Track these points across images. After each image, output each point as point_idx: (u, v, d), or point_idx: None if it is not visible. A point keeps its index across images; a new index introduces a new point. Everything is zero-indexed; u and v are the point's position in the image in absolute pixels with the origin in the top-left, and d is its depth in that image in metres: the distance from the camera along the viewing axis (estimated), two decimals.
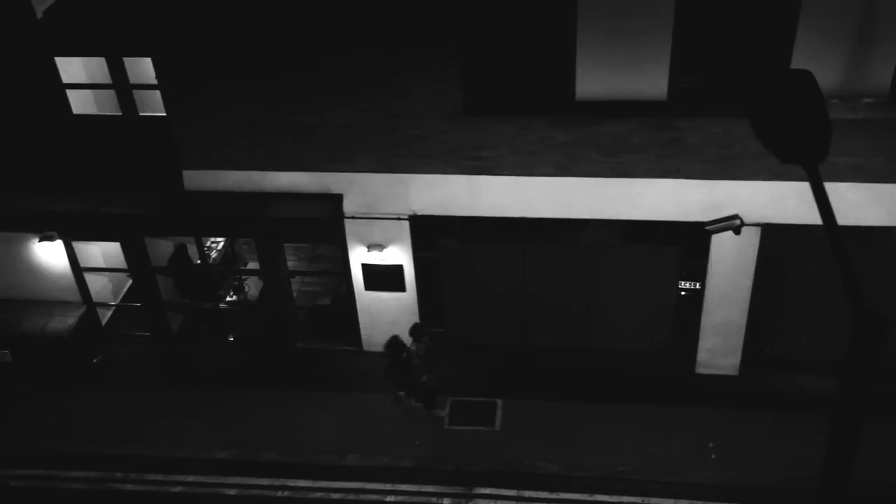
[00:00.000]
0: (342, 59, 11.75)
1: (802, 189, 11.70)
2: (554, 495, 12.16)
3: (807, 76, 5.34)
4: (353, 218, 13.22)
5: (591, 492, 12.16)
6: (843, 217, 11.88)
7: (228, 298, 15.51)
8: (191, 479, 12.73)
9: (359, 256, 13.58)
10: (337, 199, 12.98)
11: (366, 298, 14.06)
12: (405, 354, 13.03)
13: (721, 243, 12.66)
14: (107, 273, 15.47)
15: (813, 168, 4.95)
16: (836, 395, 4.40)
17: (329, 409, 13.66)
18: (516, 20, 11.53)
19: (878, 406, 12.79)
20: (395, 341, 13.14)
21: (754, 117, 5.28)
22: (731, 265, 12.83)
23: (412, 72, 11.74)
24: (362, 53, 11.66)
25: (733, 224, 12.02)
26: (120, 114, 13.01)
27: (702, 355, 13.75)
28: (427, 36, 11.45)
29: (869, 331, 4.01)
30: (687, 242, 12.91)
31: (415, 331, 12.96)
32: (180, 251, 14.89)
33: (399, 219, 13.14)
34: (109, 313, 15.63)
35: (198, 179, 13.07)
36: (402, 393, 13.43)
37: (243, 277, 15.74)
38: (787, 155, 5.02)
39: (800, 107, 5.15)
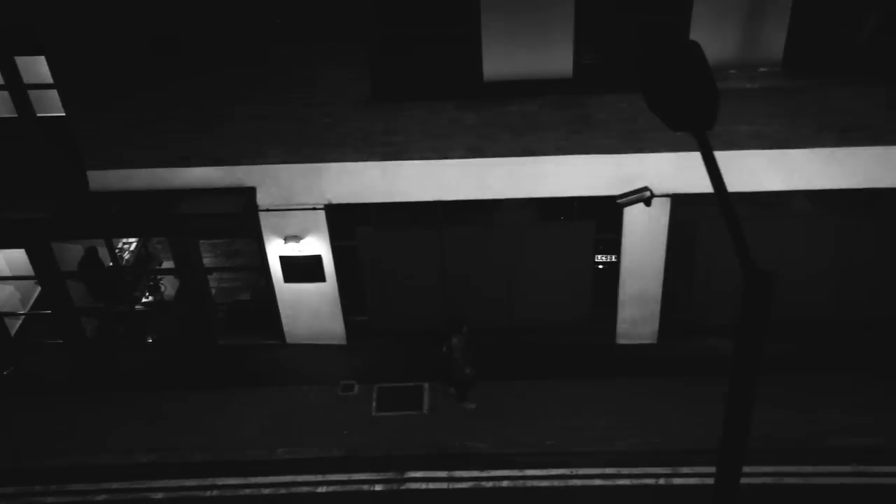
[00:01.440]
0: (247, 50, 11.56)
1: (699, 158, 12.04)
2: (485, 473, 12.29)
3: (694, 47, 5.48)
4: (267, 210, 13.07)
5: (522, 467, 12.33)
6: (746, 183, 12.48)
7: (144, 300, 15.16)
8: (115, 485, 12.44)
9: (276, 249, 13.43)
10: (250, 193, 12.80)
11: (286, 291, 13.93)
12: (445, 348, 12.97)
13: (633, 216, 12.95)
14: (13, 281, 14.94)
15: (702, 135, 5.09)
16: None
17: (255, 404, 13.51)
18: (421, 4, 11.52)
19: (778, 364, 13.51)
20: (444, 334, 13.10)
21: (646, 89, 5.41)
22: (643, 236, 13.14)
23: (320, 60, 11.64)
24: (267, 44, 11.50)
25: (644, 196, 12.29)
26: (15, 115, 12.54)
27: (621, 326, 14.07)
28: (332, 23, 11.35)
29: (758, 287, 4.15)
30: (601, 216, 13.16)
31: (452, 324, 12.99)
32: (90, 254, 14.48)
33: (314, 209, 13.04)
34: (19, 323, 15.10)
35: (103, 180, 12.71)
36: (452, 389, 13.41)
37: (159, 277, 15.40)
38: (677, 123, 5.16)
39: (688, 77, 5.28)
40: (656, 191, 12.45)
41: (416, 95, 12.02)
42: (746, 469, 11.80)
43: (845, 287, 13.64)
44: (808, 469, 12.01)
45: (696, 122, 5.14)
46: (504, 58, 11.69)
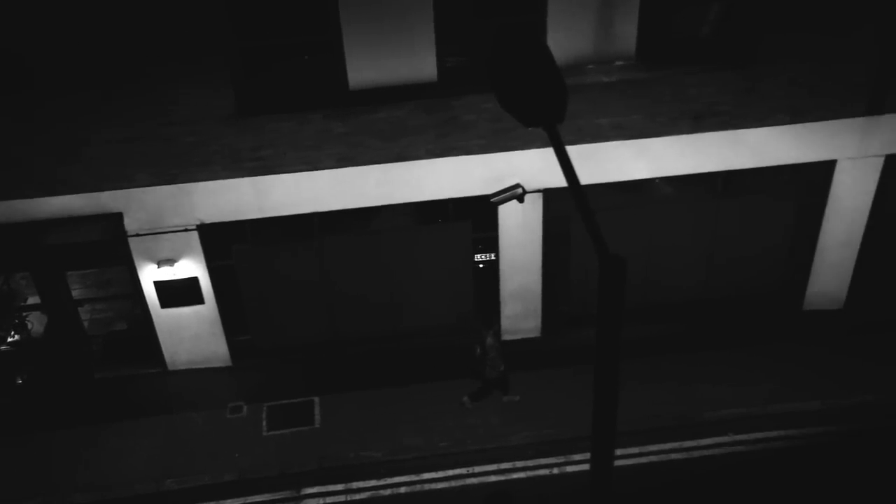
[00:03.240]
0: (103, 71, 11.15)
1: (572, 151, 12.39)
2: (382, 482, 12.24)
3: (540, 44, 5.64)
4: (137, 235, 12.63)
5: (418, 471, 12.35)
6: (613, 173, 12.91)
7: (10, 339, 14.37)
8: None
9: (150, 274, 13.00)
10: (116, 219, 12.34)
11: (164, 317, 13.49)
12: (479, 350, 12.81)
13: (508, 213, 13.19)
14: None
15: (553, 130, 5.23)
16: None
17: (140, 436, 13.03)
18: (279, 16, 11.40)
19: (657, 345, 14.05)
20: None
21: (497, 88, 5.52)
22: (520, 233, 13.40)
23: (181, 77, 11.35)
24: (124, 64, 11.12)
25: (516, 193, 12.53)
26: None
27: (505, 322, 14.29)
28: (190, 40, 11.09)
29: (613, 272, 4.30)
30: (476, 216, 13.34)
31: (485, 325, 12.93)
32: None
33: (186, 230, 12.69)
34: None
35: None
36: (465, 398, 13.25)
37: (24, 314, 14.63)
38: (528, 119, 5.28)
39: (535, 73, 5.43)
40: (528, 187, 12.72)
41: (282, 108, 11.89)
42: (633, 450, 12.35)
43: (713, 267, 14.29)
44: (690, 444, 12.52)
45: (546, 117, 5.29)
46: (368, 65, 11.70)
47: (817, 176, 13.38)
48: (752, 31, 11.97)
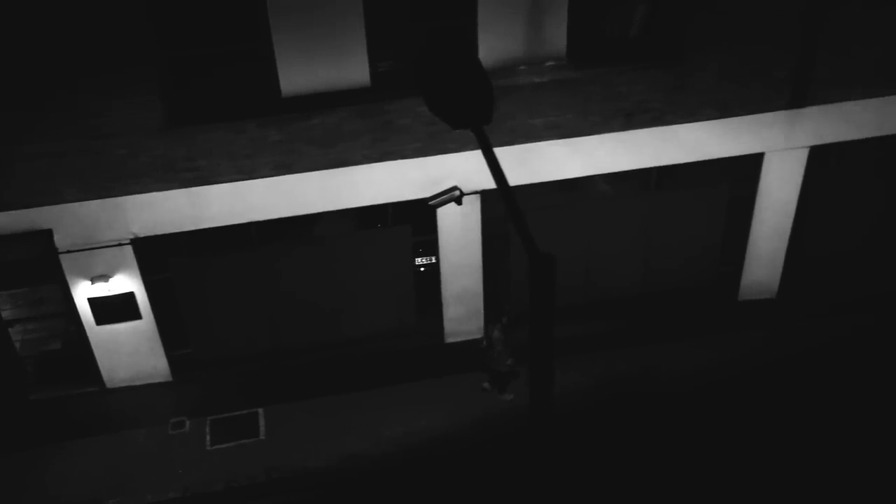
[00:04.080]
0: (26, 85, 10.87)
1: (507, 152, 12.51)
2: (329, 490, 12.16)
3: (467, 47, 5.68)
4: (68, 252, 12.34)
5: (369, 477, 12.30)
6: (549, 172, 13.04)
7: None
8: None
9: (83, 291, 12.71)
10: (45, 236, 12.03)
11: (99, 334, 13.20)
12: (485, 343, 12.87)
13: (447, 216, 13.22)
14: None
15: (479, 130, 5.28)
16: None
17: (79, 457, 12.71)
18: (207, 24, 11.26)
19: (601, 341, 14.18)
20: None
21: (425, 91, 5.55)
22: (459, 235, 13.44)
23: (108, 90, 11.12)
24: (51, 77, 10.86)
25: (454, 195, 12.58)
26: None
27: (448, 325, 14.32)
28: (116, 52, 10.87)
29: (543, 270, 4.34)
30: (415, 220, 13.35)
31: (489, 318, 12.90)
32: None
33: (120, 245, 12.45)
34: None
35: None
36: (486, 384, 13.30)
37: None
38: (456, 121, 5.33)
39: (461, 76, 5.47)
40: (465, 189, 12.78)
41: (214, 117, 11.74)
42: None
43: (651, 261, 14.53)
44: None
45: (473, 118, 5.33)
46: (300, 72, 11.63)
47: (747, 169, 13.72)
48: (679, 30, 12.22)
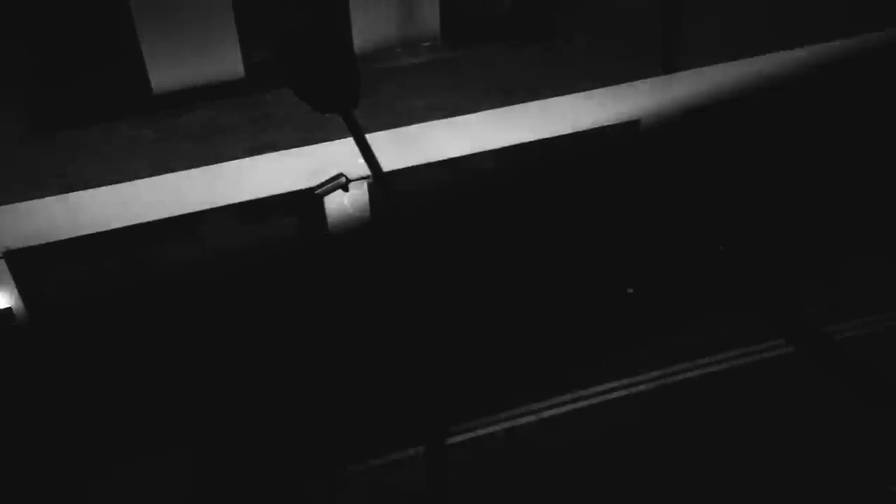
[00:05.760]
0: None
1: (389, 136, 12.51)
2: None
3: (333, 30, 5.63)
4: None
5: None
6: (436, 153, 13.10)
7: None
8: None
9: None
10: None
11: None
12: None
13: (335, 204, 13.13)
14: None
15: (348, 115, 5.26)
16: None
17: None
18: (69, 25, 10.82)
19: None
20: None
21: (290, 76, 5.48)
22: (348, 221, 13.38)
23: None
24: None
25: (340, 183, 12.48)
26: None
27: None
28: None
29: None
30: (302, 211, 13.20)
31: None
32: None
33: None
34: None
35: None
36: None
37: None
38: (323, 106, 5.29)
39: (327, 60, 5.42)
40: (351, 175, 12.70)
41: (84, 120, 11.32)
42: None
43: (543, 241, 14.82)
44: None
45: (340, 103, 5.30)
46: (170, 67, 11.35)
47: (625, 136, 14.13)
48: (549, 5, 12.46)
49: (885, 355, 12.97)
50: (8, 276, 12.07)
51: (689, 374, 13.26)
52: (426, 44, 12.20)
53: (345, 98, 5.27)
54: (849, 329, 13.76)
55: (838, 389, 12.24)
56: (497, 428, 12.59)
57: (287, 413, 11.25)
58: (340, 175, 12.46)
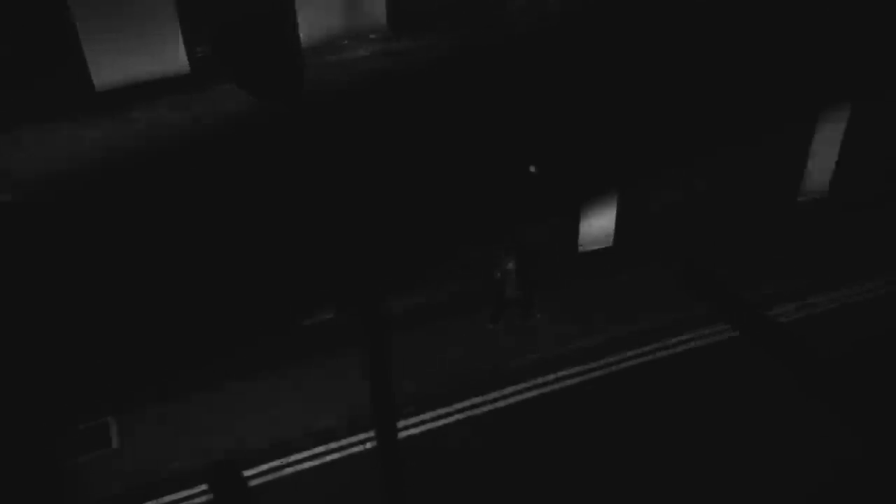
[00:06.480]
0: None
1: None
2: (193, 490, 11.85)
3: (276, 18, 5.59)
4: None
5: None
6: None
7: None
8: None
9: None
10: None
11: None
12: (498, 275, 13.31)
13: None
14: None
15: (292, 103, 5.22)
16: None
17: None
18: (8, 21, 10.58)
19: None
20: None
21: (232, 66, 5.42)
22: None
23: None
24: None
25: None
26: None
27: None
28: None
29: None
30: None
31: (505, 250, 13.21)
32: None
33: None
34: None
35: None
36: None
37: None
38: (265, 94, 5.24)
39: (270, 48, 5.38)
40: None
41: (20, 120, 11.05)
42: (442, 410, 12.67)
43: None
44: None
45: (282, 90, 5.26)
46: (112, 64, 11.14)
47: None
48: None
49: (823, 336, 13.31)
50: None
51: (637, 361, 13.51)
52: (373, 35, 12.12)
53: (288, 86, 5.23)
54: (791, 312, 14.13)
55: (779, 371, 12.46)
56: (450, 420, 12.66)
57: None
58: None
